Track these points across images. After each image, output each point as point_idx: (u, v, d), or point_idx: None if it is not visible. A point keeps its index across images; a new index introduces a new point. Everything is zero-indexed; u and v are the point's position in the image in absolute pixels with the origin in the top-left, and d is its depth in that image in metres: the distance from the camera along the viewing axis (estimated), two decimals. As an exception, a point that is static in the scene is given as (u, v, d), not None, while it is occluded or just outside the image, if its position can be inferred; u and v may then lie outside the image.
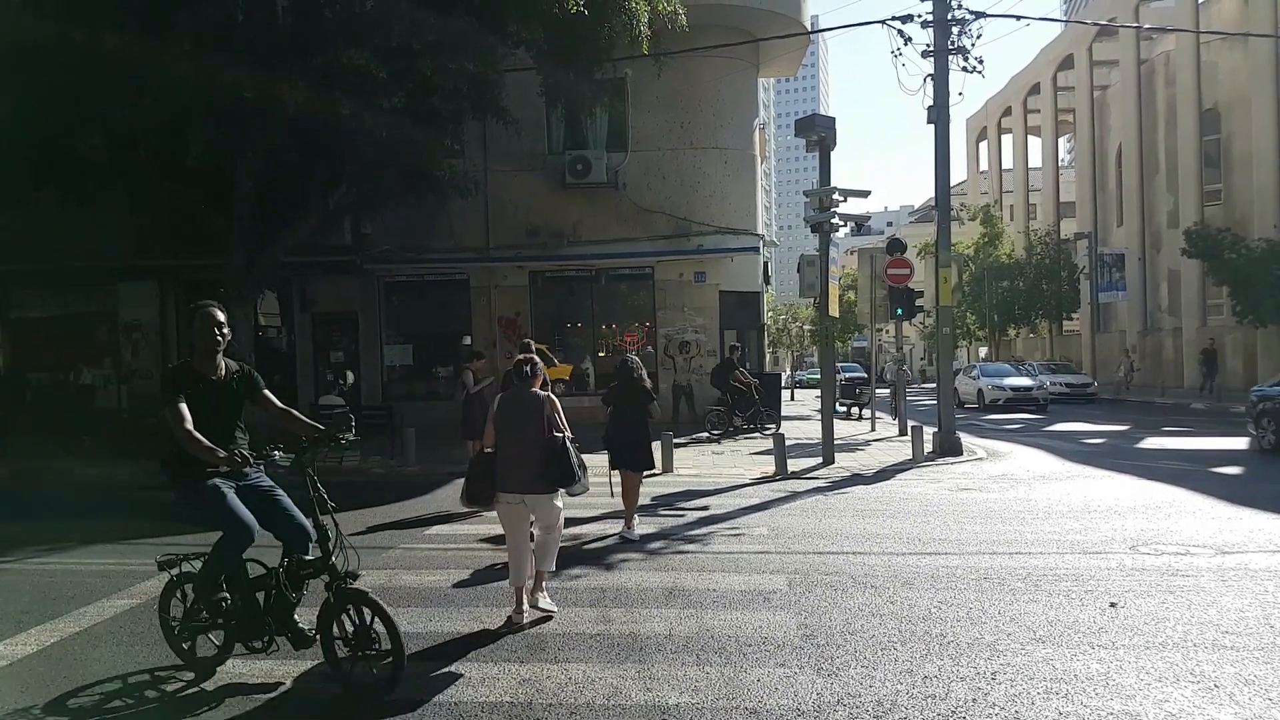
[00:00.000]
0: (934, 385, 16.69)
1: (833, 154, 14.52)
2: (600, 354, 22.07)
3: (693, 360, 21.01)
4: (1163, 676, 4.68)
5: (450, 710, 4.43)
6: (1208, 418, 22.94)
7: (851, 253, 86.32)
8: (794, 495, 11.22)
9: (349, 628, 4.60)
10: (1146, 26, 32.21)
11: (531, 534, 6.04)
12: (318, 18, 13.49)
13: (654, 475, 11.21)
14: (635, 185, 20.92)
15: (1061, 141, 51.92)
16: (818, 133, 14.20)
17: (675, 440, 14.40)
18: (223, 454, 4.43)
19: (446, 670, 4.98)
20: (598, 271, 21.38)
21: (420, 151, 15.22)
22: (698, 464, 14.25)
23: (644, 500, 10.77)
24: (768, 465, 13.48)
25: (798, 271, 18.26)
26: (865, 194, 15.25)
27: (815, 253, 15.88)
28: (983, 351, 53.96)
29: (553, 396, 6.17)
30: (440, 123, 14.86)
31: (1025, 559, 7.46)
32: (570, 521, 9.11)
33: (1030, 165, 50.98)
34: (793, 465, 13.37)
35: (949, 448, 15.10)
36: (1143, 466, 13.35)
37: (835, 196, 14.21)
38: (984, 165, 57.88)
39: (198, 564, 4.83)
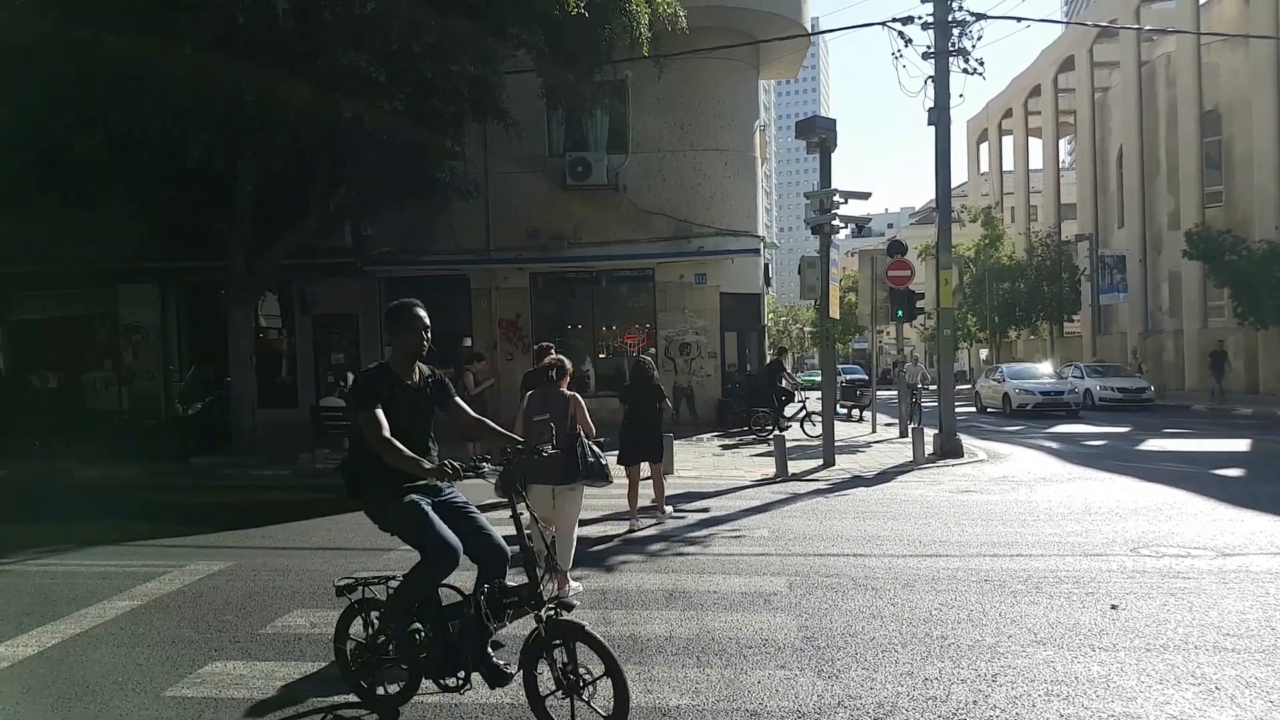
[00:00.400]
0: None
1: (833, 156, 14.53)
2: (601, 355, 22.07)
3: (693, 362, 21.01)
4: (1164, 679, 4.67)
5: (450, 711, 4.43)
6: (1209, 420, 22.92)
7: (852, 254, 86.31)
8: (794, 497, 11.22)
9: (559, 664, 4.04)
10: (1147, 28, 32.23)
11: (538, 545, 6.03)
12: (318, 20, 13.51)
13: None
14: (636, 187, 20.92)
15: (1062, 143, 51.89)
16: (818, 134, 14.21)
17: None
18: (430, 465, 4.03)
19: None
20: (598, 273, 21.38)
21: (421, 153, 15.23)
22: (698, 466, 14.26)
23: (643, 502, 10.78)
24: (768, 467, 13.48)
25: (798, 273, 18.25)
26: (866, 196, 15.24)
27: (816, 254, 15.86)
28: (983, 353, 53.93)
29: (578, 397, 6.70)
30: (441, 125, 14.87)
31: (1026, 561, 7.46)
32: (571, 523, 9.33)
33: (1031, 167, 50.99)
34: (793, 467, 13.37)
35: (950, 450, 15.09)
36: (1144, 468, 13.34)
37: (836, 198, 14.22)
38: (985, 167, 57.87)
39: (379, 589, 4.43)
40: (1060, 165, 49.10)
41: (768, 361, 20.15)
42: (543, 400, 6.57)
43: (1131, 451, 16.16)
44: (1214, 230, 29.79)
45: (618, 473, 8.65)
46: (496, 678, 4.19)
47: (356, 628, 4.50)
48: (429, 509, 4.19)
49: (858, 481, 12.60)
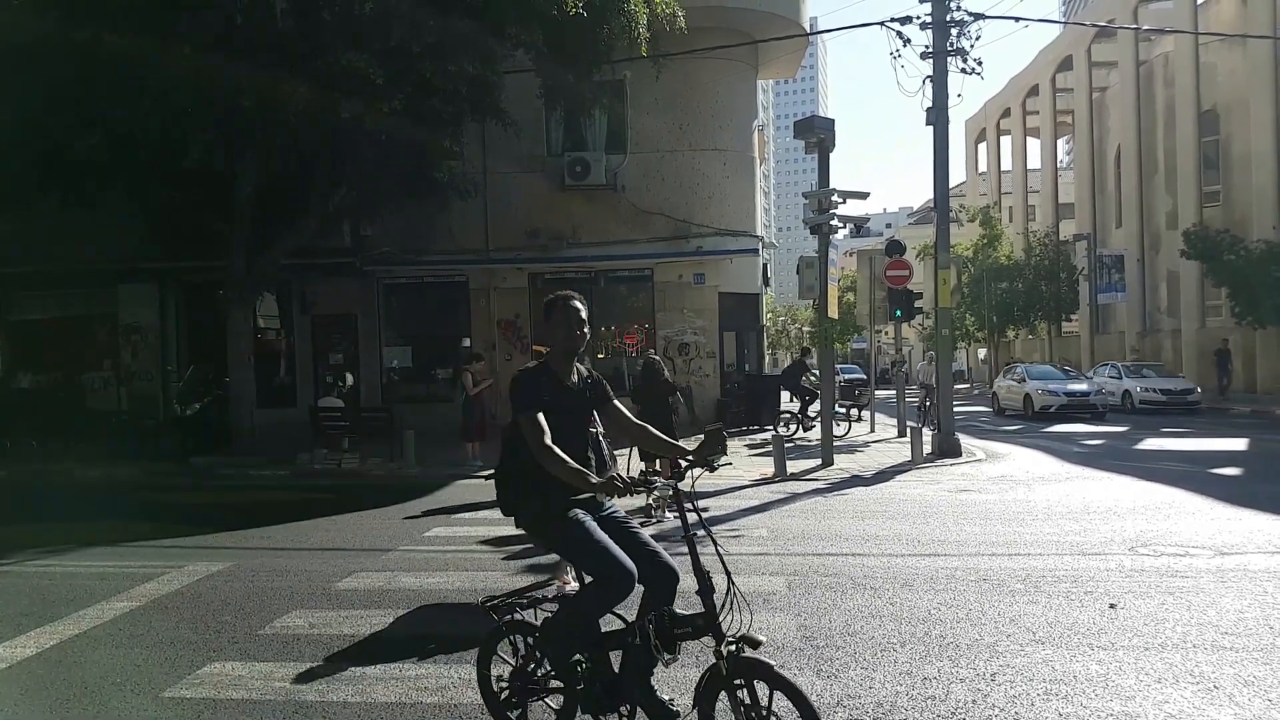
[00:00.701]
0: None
1: (831, 155, 14.53)
2: (600, 356, 22.05)
3: (692, 362, 21.01)
4: (1162, 677, 4.68)
5: (449, 711, 4.43)
6: (1208, 419, 22.94)
7: (851, 254, 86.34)
8: (793, 497, 11.22)
9: (742, 706, 3.54)
10: (1145, 28, 32.25)
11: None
12: (317, 20, 13.51)
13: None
14: (634, 187, 20.92)
15: (1060, 143, 51.96)
16: (816, 134, 14.21)
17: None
18: (597, 479, 3.60)
19: (446, 671, 4.98)
20: (597, 273, 21.38)
21: (420, 154, 15.23)
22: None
23: (643, 502, 10.78)
24: (767, 467, 13.48)
25: (797, 273, 18.28)
26: (864, 195, 15.25)
27: (814, 254, 15.87)
28: (982, 353, 53.94)
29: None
30: (440, 125, 14.87)
31: (1024, 560, 7.46)
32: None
33: (1029, 167, 51.03)
34: (792, 467, 13.37)
35: (948, 449, 15.10)
36: (1142, 468, 13.36)
37: (834, 198, 14.23)
38: (983, 167, 57.90)
39: (528, 613, 3.98)
40: (1058, 165, 49.14)
41: (791, 360, 20.05)
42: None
43: (1129, 451, 16.18)
44: (1212, 230, 29.82)
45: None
46: (663, 717, 3.72)
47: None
48: (596, 526, 3.76)
49: (856, 481, 12.61)
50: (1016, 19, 16.07)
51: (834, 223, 14.53)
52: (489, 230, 20.99)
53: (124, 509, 11.42)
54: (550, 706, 3.96)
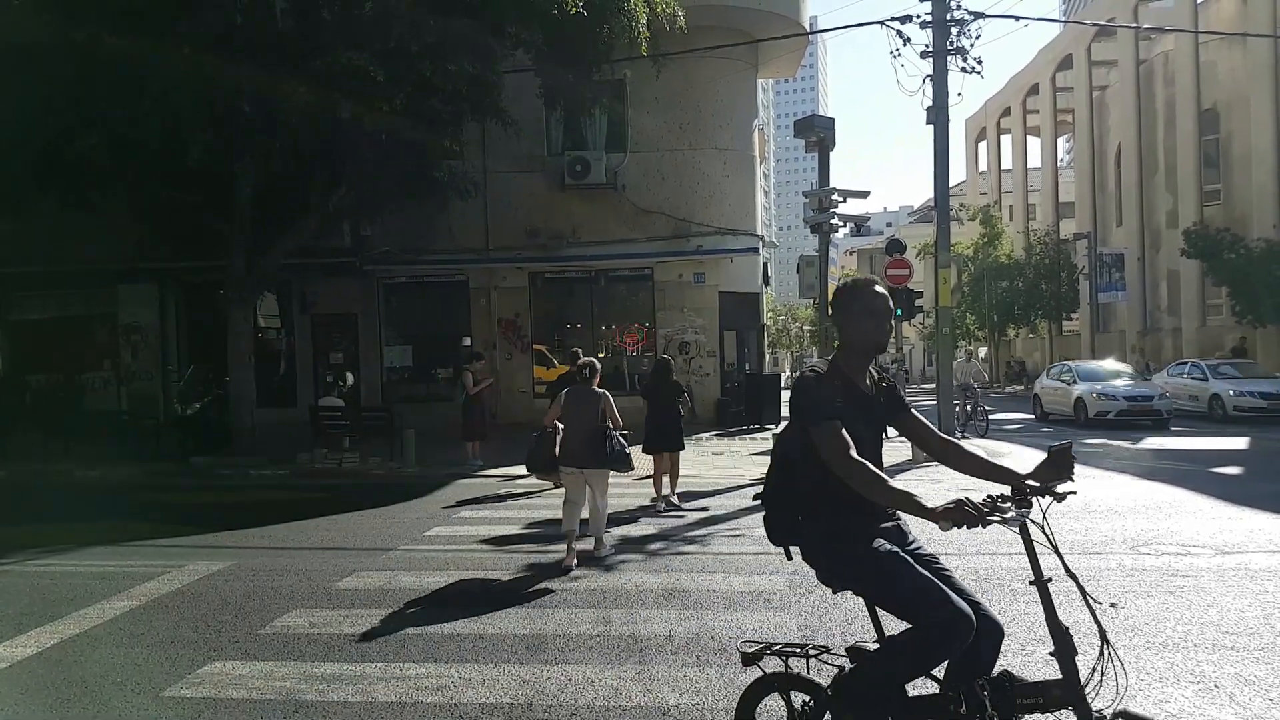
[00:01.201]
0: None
1: (832, 154, 14.56)
2: (600, 355, 22.04)
3: (692, 361, 21.01)
4: (1163, 677, 4.68)
5: (449, 711, 4.43)
6: (1208, 418, 22.91)
7: (851, 253, 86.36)
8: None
9: None
10: (1145, 27, 32.23)
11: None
12: (317, 20, 13.50)
13: (651, 476, 11.67)
14: (634, 186, 20.92)
15: (1060, 142, 51.95)
16: (817, 133, 14.24)
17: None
18: (936, 505, 2.82)
19: (446, 671, 4.98)
20: (597, 272, 21.38)
21: (420, 153, 15.22)
22: (697, 465, 14.24)
23: (642, 501, 10.80)
24: (767, 465, 13.47)
25: (797, 272, 18.27)
26: (864, 194, 15.28)
27: (815, 253, 15.88)
28: (982, 352, 53.94)
29: (608, 394, 7.90)
30: (440, 125, 14.86)
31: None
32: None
33: (1029, 165, 51.00)
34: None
35: (949, 448, 15.07)
36: (1143, 467, 13.35)
37: (834, 197, 14.24)
38: (983, 165, 57.88)
39: (798, 661, 3.28)
40: (1059, 164, 49.13)
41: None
42: (577, 397, 7.76)
43: (1130, 450, 16.17)
44: (1212, 228, 29.80)
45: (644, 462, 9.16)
46: None
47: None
48: (911, 560, 3.06)
49: (857, 480, 12.57)
50: (1016, 18, 16.07)
51: (834, 222, 14.55)
52: (489, 230, 20.99)
53: (124, 509, 11.41)
54: None
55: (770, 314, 52.05)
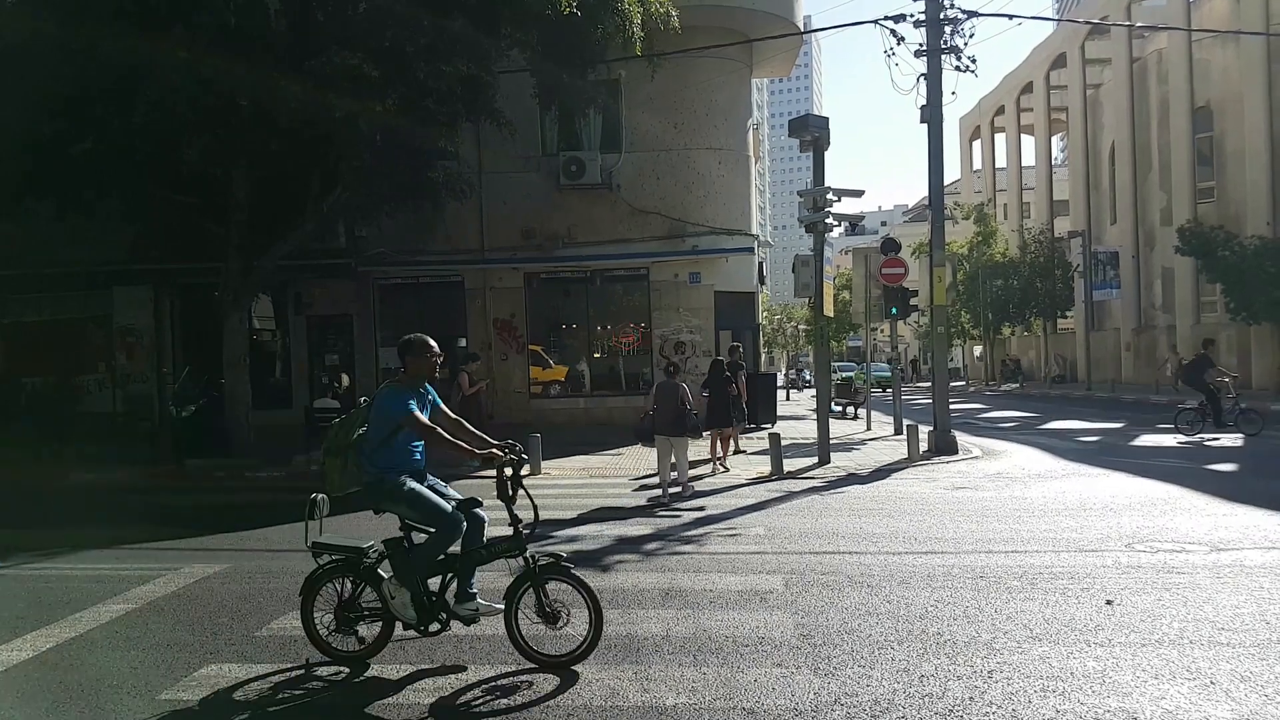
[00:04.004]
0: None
1: (826, 154, 14.53)
2: (596, 355, 22.05)
3: (688, 360, 21.00)
4: (1159, 673, 4.69)
5: (448, 712, 4.43)
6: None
7: (846, 252, 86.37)
8: (790, 495, 11.23)
9: None
10: (1138, 25, 32.28)
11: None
12: (310, 21, 13.48)
13: (650, 476, 11.94)
14: (630, 186, 20.91)
15: (1055, 140, 52.02)
16: (811, 133, 14.21)
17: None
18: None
19: (444, 671, 4.97)
20: (593, 273, 21.37)
21: (415, 154, 15.19)
22: (694, 465, 14.25)
23: (640, 501, 10.81)
24: (763, 465, 13.50)
25: (793, 271, 18.26)
26: (859, 194, 15.26)
27: (810, 253, 15.86)
28: (977, 350, 54.03)
29: (684, 385, 11.43)
30: (434, 125, 14.83)
31: (1021, 557, 7.47)
32: (566, 523, 9.35)
33: (1024, 164, 51.08)
34: (788, 465, 13.39)
35: (944, 446, 15.12)
36: (1138, 464, 13.38)
37: (829, 196, 14.22)
38: (977, 164, 57.96)
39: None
40: (1053, 162, 49.21)
41: (1194, 355, 18.03)
42: (664, 388, 11.30)
43: (1125, 447, 16.21)
44: (1206, 226, 29.86)
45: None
46: None
47: None
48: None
49: (853, 479, 12.62)
50: (1010, 16, 16.11)
51: (829, 221, 14.53)
52: (484, 230, 20.97)
53: (119, 511, 11.39)
54: None
55: (766, 314, 52.07)
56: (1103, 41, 39.64)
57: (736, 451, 15.22)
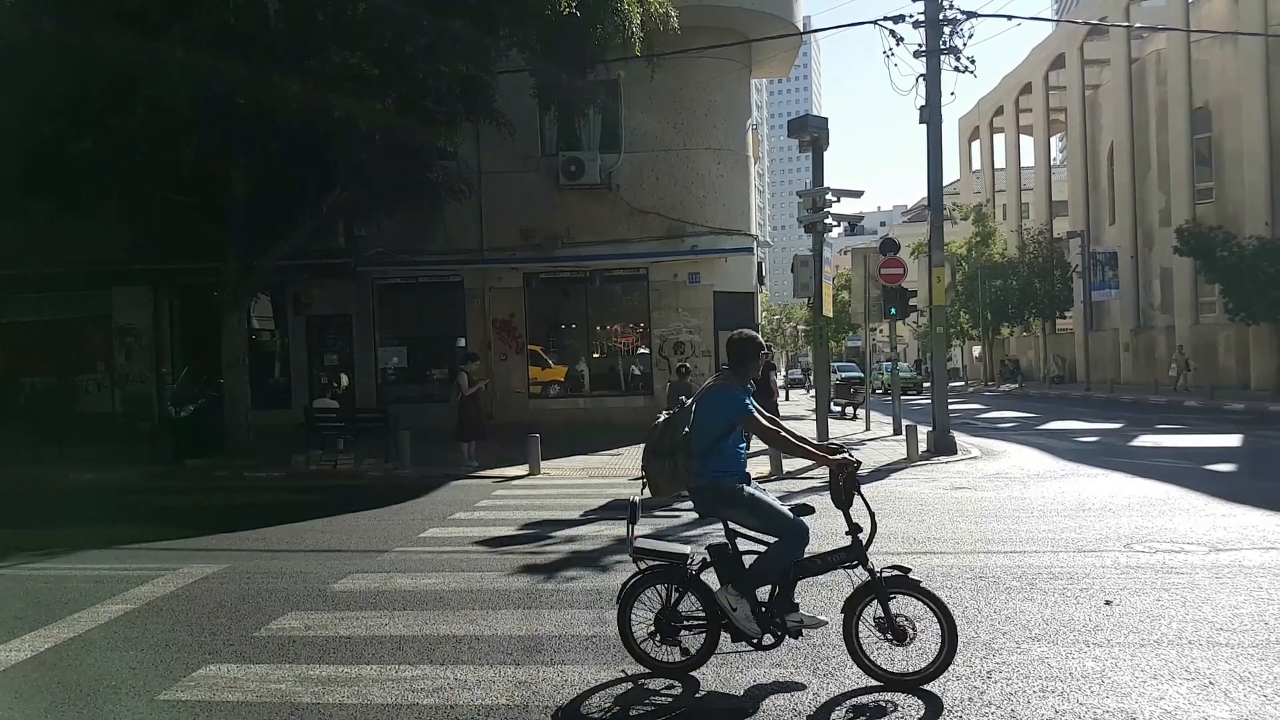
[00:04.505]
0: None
1: (825, 154, 14.56)
2: (595, 355, 22.05)
3: (687, 361, 21.01)
4: (1158, 674, 4.69)
5: (445, 713, 4.42)
6: (1201, 415, 23.00)
7: (845, 253, 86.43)
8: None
9: None
10: (1137, 26, 32.32)
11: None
12: (309, 21, 13.47)
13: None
14: (629, 186, 20.91)
15: (1053, 140, 52.07)
16: (810, 133, 14.25)
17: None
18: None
19: (441, 673, 4.97)
20: (592, 273, 21.37)
21: (414, 154, 15.19)
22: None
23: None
24: (762, 465, 13.50)
25: (792, 272, 18.29)
26: (858, 194, 15.31)
27: (809, 253, 15.89)
28: (976, 351, 54.07)
29: (696, 386, 10.67)
30: (434, 125, 14.84)
31: (1020, 557, 7.47)
32: (567, 523, 9.35)
33: (1022, 164, 51.12)
34: (787, 465, 13.39)
35: (943, 447, 15.12)
36: (1136, 464, 13.38)
37: (828, 197, 14.26)
38: (976, 165, 58.00)
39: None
40: (1051, 162, 49.26)
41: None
42: (676, 388, 12.25)
43: (1124, 448, 16.21)
44: (1205, 226, 29.90)
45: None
46: None
47: None
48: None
49: (852, 479, 12.59)
50: (1009, 17, 16.11)
51: (828, 221, 14.57)
52: (484, 230, 20.98)
53: (118, 511, 11.38)
54: None
55: (765, 314, 52.07)
56: (1101, 42, 39.68)
57: None
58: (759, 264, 24.15)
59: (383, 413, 16.31)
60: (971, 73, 15.41)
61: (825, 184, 14.42)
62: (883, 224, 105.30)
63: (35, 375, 20.50)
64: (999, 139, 53.81)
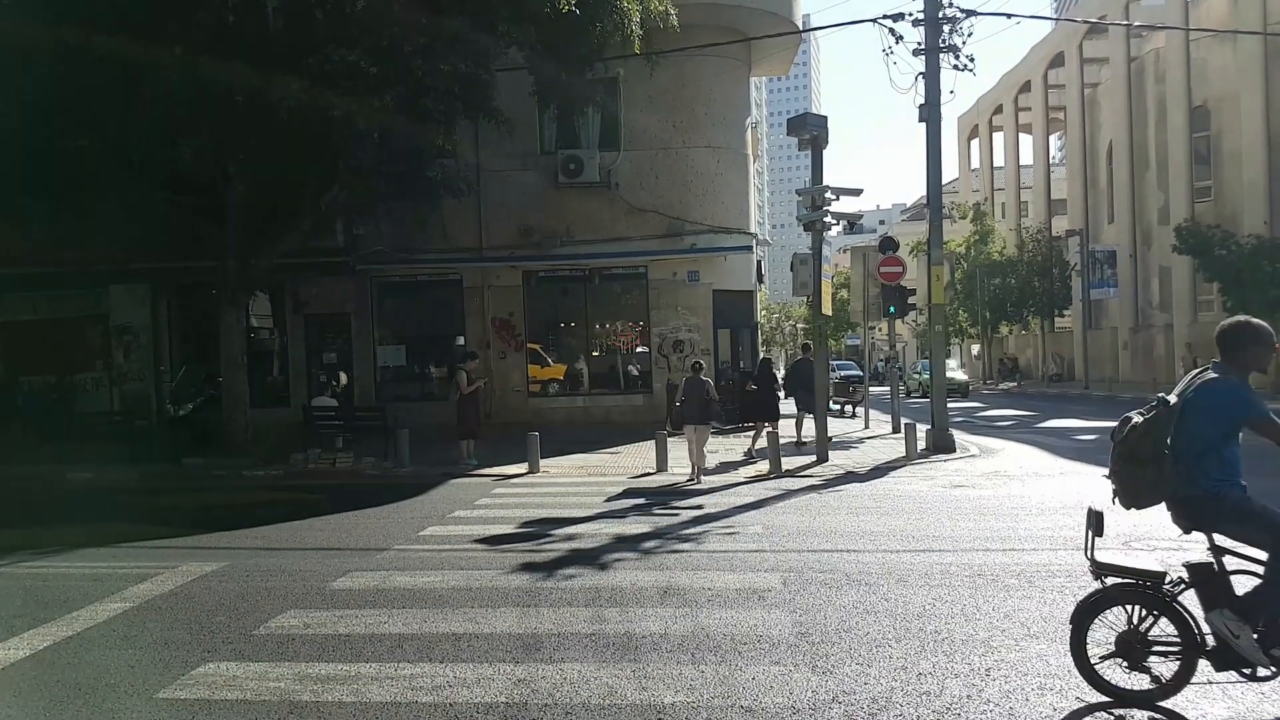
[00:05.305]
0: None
1: (825, 152, 14.53)
2: (594, 354, 22.05)
3: (686, 359, 21.02)
4: (1156, 671, 4.68)
5: (444, 711, 4.42)
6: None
7: (845, 251, 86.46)
8: (788, 493, 11.23)
9: None
10: (1136, 24, 32.32)
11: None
12: (308, 19, 13.47)
13: (648, 475, 12.03)
14: (628, 184, 20.91)
15: (1052, 139, 52.08)
16: (809, 131, 14.22)
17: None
18: None
19: (441, 671, 4.98)
20: (591, 271, 21.37)
21: (413, 152, 15.19)
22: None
23: (638, 500, 10.83)
24: (761, 464, 13.51)
25: (791, 270, 18.30)
26: (857, 192, 15.28)
27: (809, 251, 15.86)
28: (975, 349, 54.07)
29: (710, 381, 13.36)
30: (433, 124, 14.84)
31: (1019, 555, 7.48)
32: (566, 521, 9.37)
33: (1021, 163, 51.13)
34: (787, 463, 13.39)
35: (942, 445, 15.13)
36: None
37: (828, 195, 14.22)
38: (975, 163, 58.00)
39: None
40: (1050, 161, 49.28)
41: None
42: (692, 382, 12.76)
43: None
44: (1203, 225, 29.90)
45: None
46: None
47: None
48: None
49: (851, 477, 12.62)
50: (1009, 15, 16.11)
51: (827, 219, 14.53)
52: (483, 228, 20.97)
53: (117, 510, 11.37)
54: None
55: (764, 312, 52.09)
56: (1101, 41, 39.68)
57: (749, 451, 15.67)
58: (758, 262, 24.15)
59: (381, 411, 16.31)
60: (971, 71, 15.42)
61: (824, 182, 14.39)
62: (882, 222, 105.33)
63: (34, 374, 20.49)
64: (998, 137, 53.82)
